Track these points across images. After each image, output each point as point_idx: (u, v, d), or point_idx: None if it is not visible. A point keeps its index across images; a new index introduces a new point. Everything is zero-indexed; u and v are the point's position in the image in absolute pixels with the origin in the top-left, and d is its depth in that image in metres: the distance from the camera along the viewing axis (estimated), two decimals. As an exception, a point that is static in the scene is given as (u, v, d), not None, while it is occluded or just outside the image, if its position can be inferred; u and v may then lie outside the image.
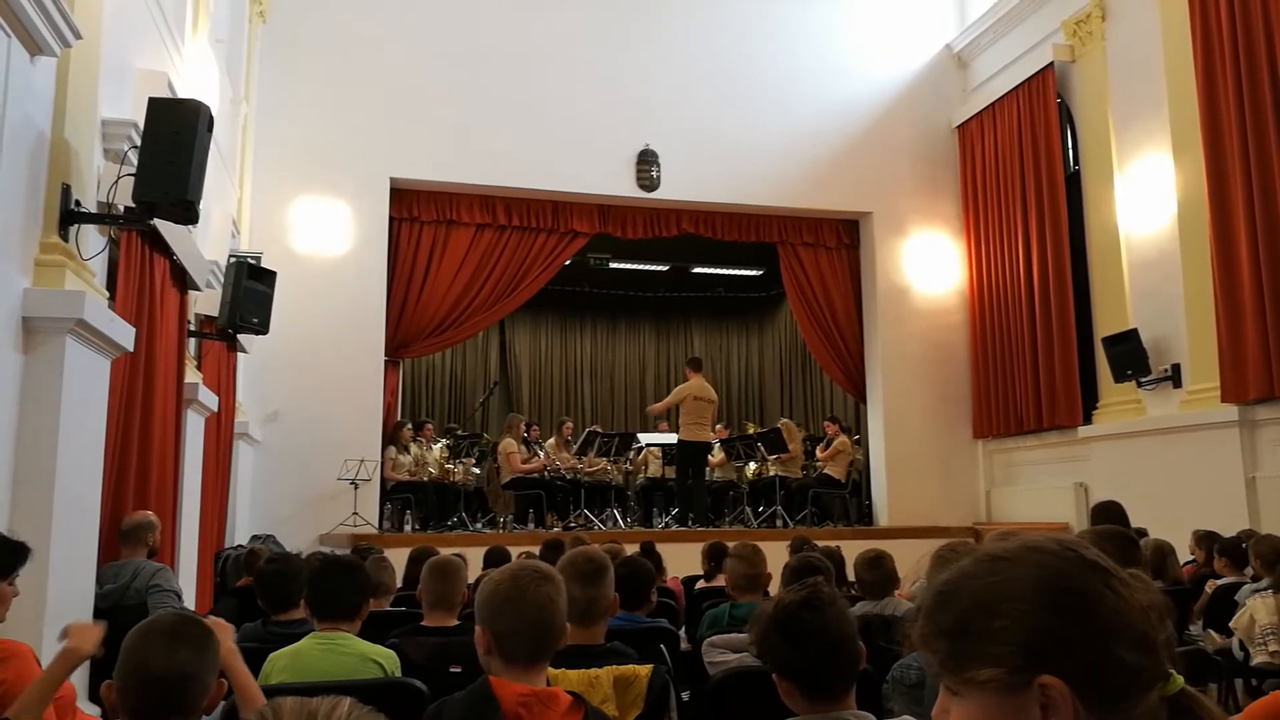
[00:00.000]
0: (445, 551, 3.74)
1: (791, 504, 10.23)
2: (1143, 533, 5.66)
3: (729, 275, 15.03)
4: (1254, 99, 7.28)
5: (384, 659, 2.78)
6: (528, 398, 15.13)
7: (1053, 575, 0.97)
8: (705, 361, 15.59)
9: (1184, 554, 5.86)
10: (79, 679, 3.41)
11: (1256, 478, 7.23)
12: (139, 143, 4.12)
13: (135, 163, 4.07)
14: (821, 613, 1.87)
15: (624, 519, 10.46)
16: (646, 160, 10.32)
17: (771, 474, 10.53)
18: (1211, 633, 4.80)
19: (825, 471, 10.49)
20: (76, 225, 3.86)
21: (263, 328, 6.65)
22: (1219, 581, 5.16)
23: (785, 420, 11.44)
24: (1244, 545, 5.33)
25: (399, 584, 5.01)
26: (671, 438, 10.47)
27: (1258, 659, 4.35)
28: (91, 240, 4.07)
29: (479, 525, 9.89)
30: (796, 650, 1.83)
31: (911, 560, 4.90)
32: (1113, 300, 8.94)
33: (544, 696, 1.85)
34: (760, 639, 1.91)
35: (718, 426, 11.48)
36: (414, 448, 9.95)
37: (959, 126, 11.13)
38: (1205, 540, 5.80)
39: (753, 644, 1.95)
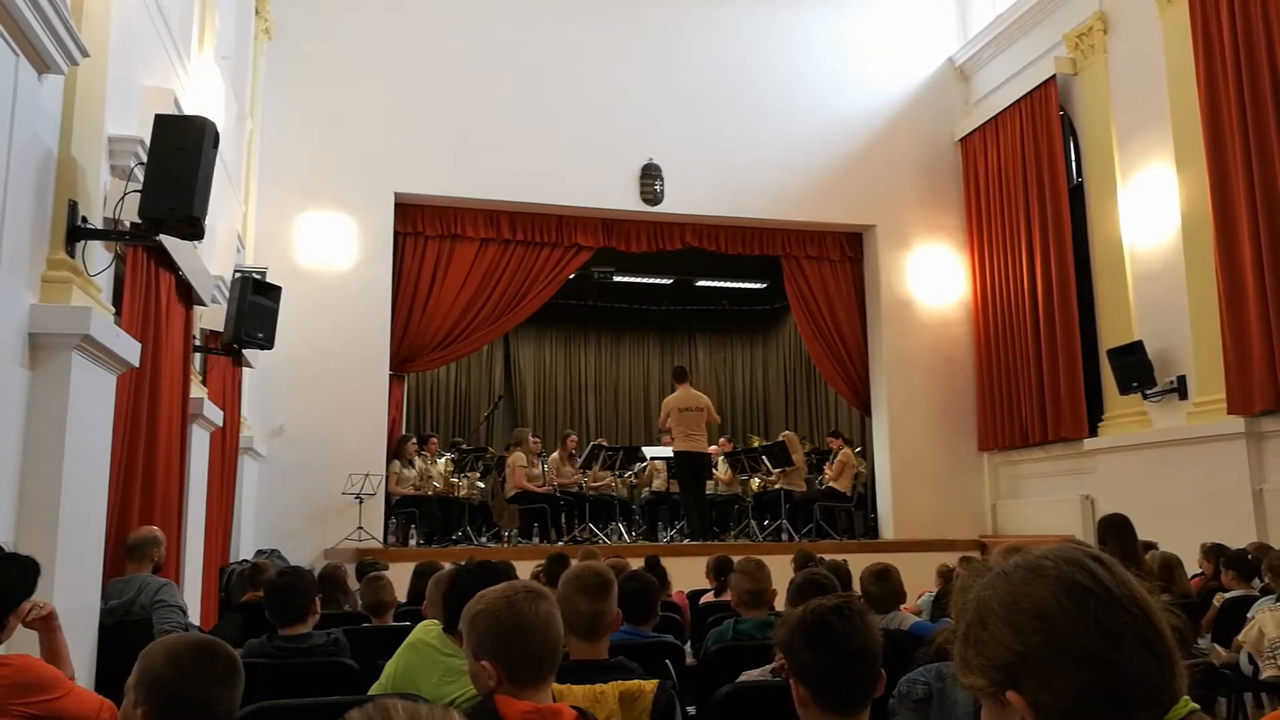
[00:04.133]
0: (450, 566, 3.74)
1: (796, 517, 10.20)
2: (1151, 546, 5.64)
3: (733, 288, 15.04)
4: (1256, 109, 7.29)
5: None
6: (532, 412, 15.11)
7: (1020, 596, 0.99)
8: (709, 375, 15.66)
9: (1191, 567, 5.84)
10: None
11: (1264, 490, 7.20)
12: (145, 159, 4.14)
13: (141, 179, 4.09)
14: (852, 622, 1.87)
15: (629, 533, 10.43)
16: (650, 174, 10.35)
17: (776, 487, 10.51)
18: (1217, 646, 4.77)
19: (830, 485, 10.46)
20: (83, 241, 3.88)
21: (268, 343, 6.66)
22: (1227, 594, 5.14)
23: (788, 433, 11.42)
24: (1250, 557, 5.30)
25: (404, 598, 5.02)
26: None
27: (1267, 673, 4.33)
28: (98, 256, 4.09)
29: (484, 539, 9.86)
30: (821, 655, 1.82)
31: (917, 574, 4.88)
32: (1117, 312, 8.93)
33: (548, 713, 1.83)
34: (785, 641, 1.89)
35: (721, 439, 11.46)
36: (419, 462, 9.95)
37: (962, 139, 11.15)
38: (1213, 553, 5.78)
39: (776, 644, 1.94)
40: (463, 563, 2.97)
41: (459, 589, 2.73)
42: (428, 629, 2.82)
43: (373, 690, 2.83)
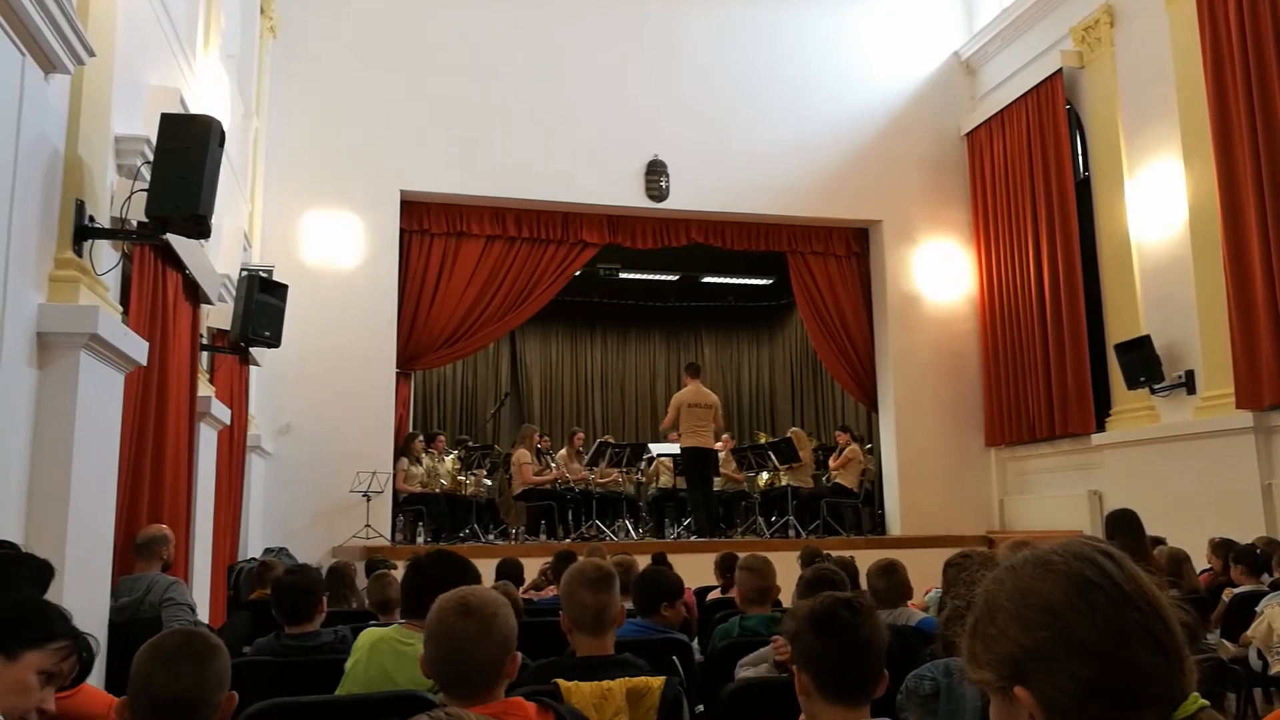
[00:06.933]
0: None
1: (804, 514, 10.19)
2: (1160, 541, 5.62)
3: (739, 284, 15.03)
4: (1264, 102, 7.26)
5: None
6: (539, 409, 15.13)
7: (1028, 591, 0.99)
8: (716, 371, 15.64)
9: (1200, 562, 5.82)
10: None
11: (1273, 484, 7.17)
12: (151, 158, 4.15)
13: (148, 178, 4.10)
14: (859, 614, 1.92)
15: (636, 530, 10.44)
16: (655, 170, 10.35)
17: (783, 484, 10.50)
18: (1225, 641, 4.76)
19: (837, 481, 10.45)
20: (90, 241, 3.88)
21: (275, 341, 6.67)
22: (1236, 590, 5.12)
23: (795, 429, 11.42)
24: (1259, 552, 5.29)
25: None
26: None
27: (1276, 668, 4.31)
28: (105, 255, 4.10)
29: (491, 537, 9.88)
30: (828, 642, 1.86)
31: (924, 570, 4.88)
32: (1125, 306, 8.90)
33: (498, 711, 1.82)
34: (793, 631, 1.94)
35: (724, 436, 11.45)
36: (426, 459, 9.97)
37: (968, 134, 11.11)
38: (1221, 548, 5.76)
39: (785, 633, 1.97)
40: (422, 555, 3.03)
41: (414, 578, 2.89)
42: (378, 631, 2.84)
43: (343, 692, 2.81)
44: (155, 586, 4.22)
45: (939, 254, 10.97)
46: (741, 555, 4.24)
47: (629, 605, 3.38)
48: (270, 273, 6.93)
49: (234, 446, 6.90)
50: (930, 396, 10.67)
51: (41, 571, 2.64)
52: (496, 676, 1.89)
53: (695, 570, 6.71)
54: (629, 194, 10.29)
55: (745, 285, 15.03)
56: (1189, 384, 8.13)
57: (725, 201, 10.53)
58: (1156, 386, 8.33)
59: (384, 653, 2.77)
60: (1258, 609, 4.60)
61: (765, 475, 11.22)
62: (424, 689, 2.65)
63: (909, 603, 3.87)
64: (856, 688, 1.86)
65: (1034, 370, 9.85)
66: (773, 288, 14.60)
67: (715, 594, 5.70)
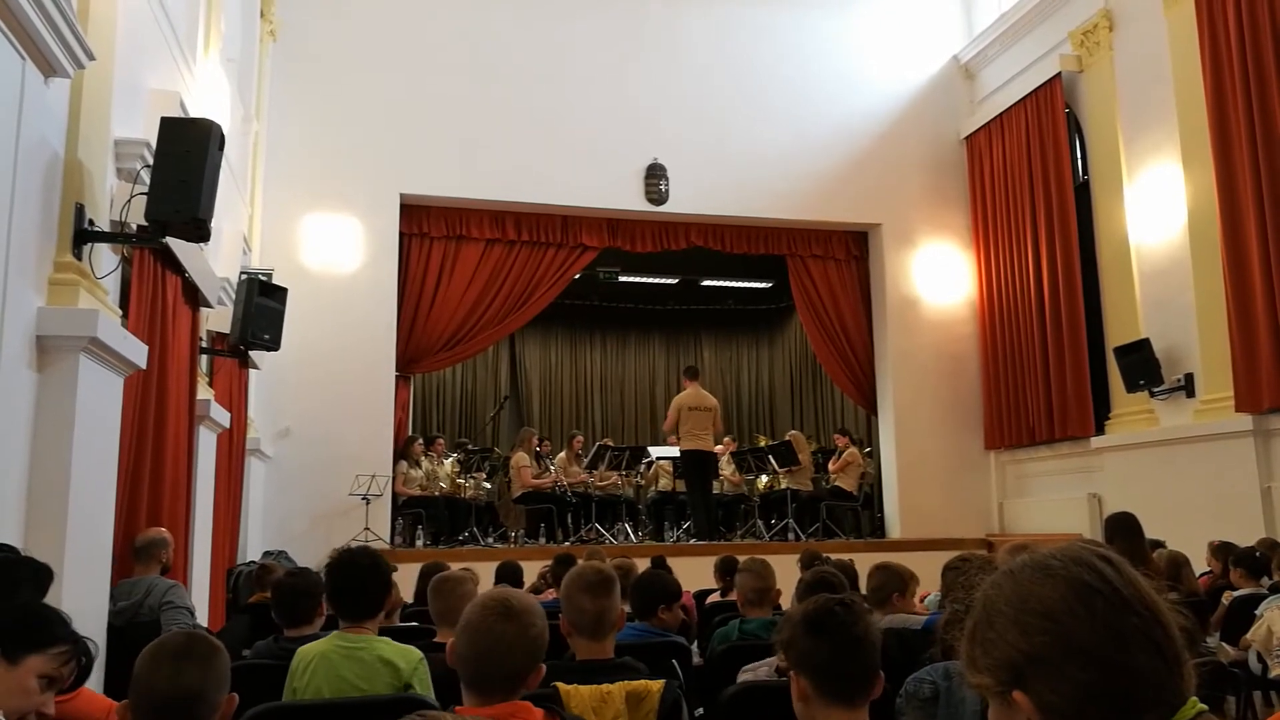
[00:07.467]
0: (456, 566, 3.75)
1: (803, 516, 10.19)
2: (1159, 544, 5.63)
3: (738, 288, 15.05)
4: (1263, 106, 7.27)
5: (402, 659, 2.77)
6: (538, 412, 15.13)
7: (1027, 596, 0.99)
8: (715, 374, 15.65)
9: (1199, 565, 5.82)
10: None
11: (1272, 488, 7.17)
12: (151, 162, 4.15)
13: (148, 181, 4.10)
14: (852, 612, 1.92)
15: (635, 533, 10.43)
16: (655, 174, 10.35)
17: (783, 487, 10.50)
18: (1225, 645, 4.76)
19: (837, 484, 10.45)
20: (90, 244, 3.88)
21: (274, 344, 6.67)
22: (1235, 593, 5.12)
23: (794, 432, 11.42)
24: (1259, 555, 5.29)
25: (410, 599, 5.02)
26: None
27: (1276, 671, 4.31)
28: (104, 259, 4.10)
29: (490, 540, 9.87)
30: (823, 642, 1.86)
31: (924, 573, 4.87)
32: (1124, 310, 8.91)
33: (504, 713, 1.83)
34: (788, 635, 1.93)
35: (725, 439, 11.47)
36: (425, 463, 9.97)
37: (967, 137, 11.13)
38: (1221, 551, 5.77)
39: (779, 642, 1.96)
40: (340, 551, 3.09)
41: (331, 578, 3.00)
42: (315, 646, 2.83)
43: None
44: (154, 590, 4.21)
45: (938, 257, 10.98)
46: (742, 558, 4.25)
47: (628, 609, 3.39)
48: (270, 276, 6.93)
49: (233, 450, 6.89)
50: (930, 399, 10.67)
51: (40, 574, 2.64)
52: (520, 683, 1.91)
53: (695, 573, 6.71)
54: (628, 197, 10.30)
55: (745, 289, 15.04)
56: (1188, 387, 8.13)
57: (725, 205, 10.54)
58: (1156, 390, 8.34)
59: (335, 663, 2.73)
60: (1257, 612, 4.60)
61: (764, 478, 11.22)
62: (395, 691, 2.65)
63: (916, 606, 3.86)
64: (855, 687, 1.86)
65: (1033, 373, 9.86)
66: (772, 291, 14.61)
67: (715, 597, 5.69)
